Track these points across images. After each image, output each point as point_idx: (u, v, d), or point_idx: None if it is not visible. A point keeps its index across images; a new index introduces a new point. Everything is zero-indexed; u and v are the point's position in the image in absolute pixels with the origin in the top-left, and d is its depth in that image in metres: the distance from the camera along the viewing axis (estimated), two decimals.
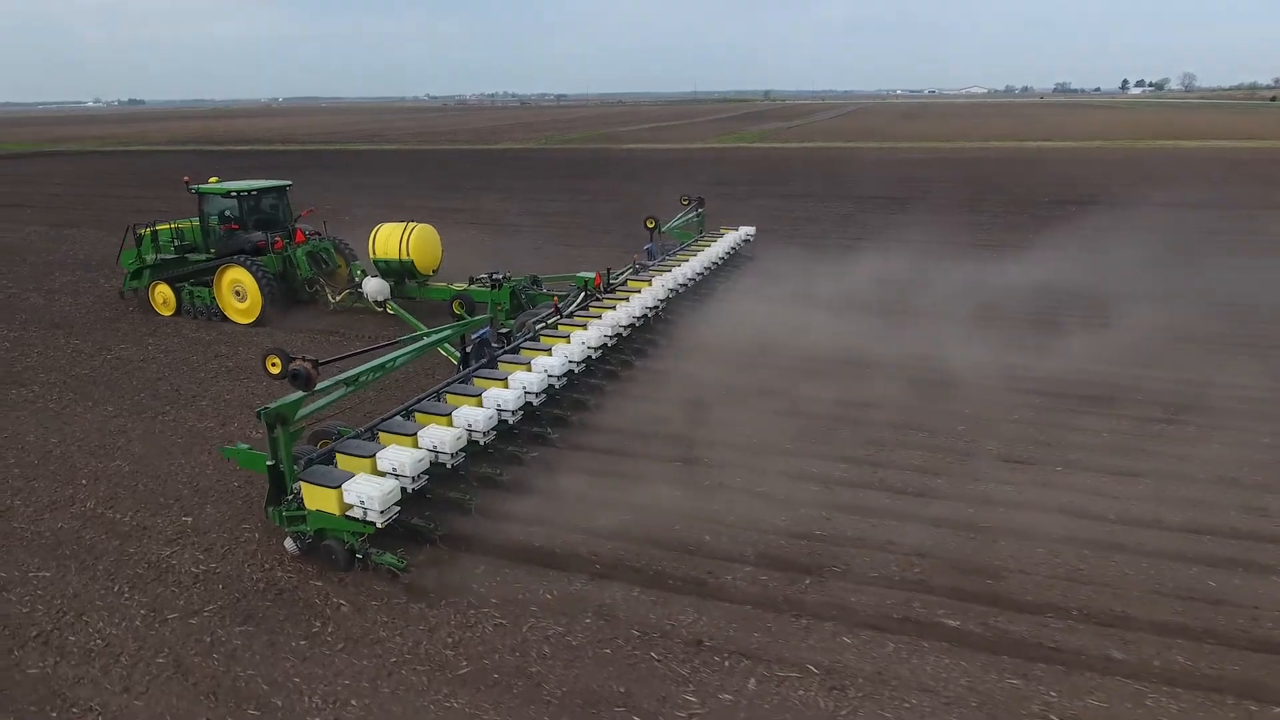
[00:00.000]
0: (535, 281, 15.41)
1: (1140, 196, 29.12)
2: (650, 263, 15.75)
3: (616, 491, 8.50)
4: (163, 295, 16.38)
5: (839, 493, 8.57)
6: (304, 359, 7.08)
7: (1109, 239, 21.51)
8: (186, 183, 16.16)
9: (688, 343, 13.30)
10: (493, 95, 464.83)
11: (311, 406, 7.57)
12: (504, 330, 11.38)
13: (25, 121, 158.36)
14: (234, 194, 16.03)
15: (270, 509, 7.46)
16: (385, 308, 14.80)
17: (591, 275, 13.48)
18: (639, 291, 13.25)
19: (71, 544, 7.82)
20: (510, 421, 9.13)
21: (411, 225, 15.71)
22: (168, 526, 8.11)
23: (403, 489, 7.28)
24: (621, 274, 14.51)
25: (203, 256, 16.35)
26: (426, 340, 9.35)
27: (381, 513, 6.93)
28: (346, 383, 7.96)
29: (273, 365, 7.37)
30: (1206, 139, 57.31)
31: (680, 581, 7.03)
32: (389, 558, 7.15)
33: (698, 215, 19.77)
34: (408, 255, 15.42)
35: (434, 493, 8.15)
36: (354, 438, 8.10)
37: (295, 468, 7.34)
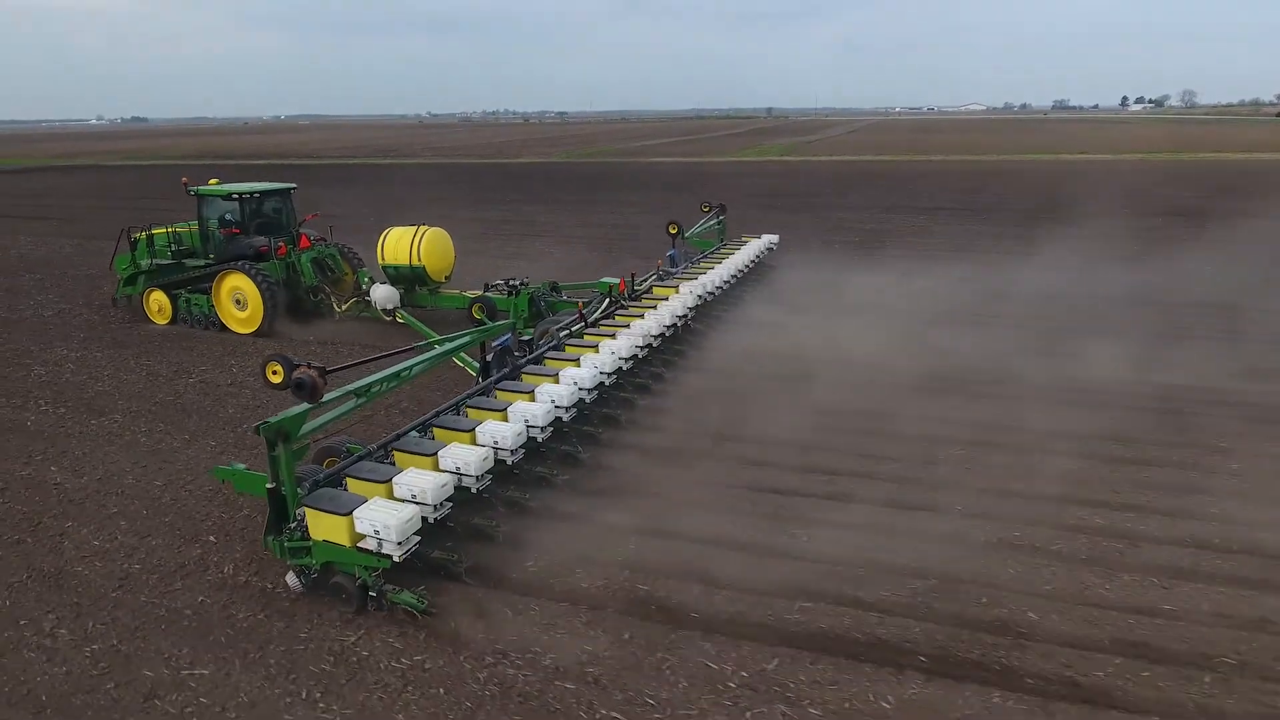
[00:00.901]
0: (555, 288, 14.43)
1: (1234, 207, 27.68)
2: (674, 269, 14.68)
3: (841, 546, 6.95)
4: (158, 303, 15.19)
5: (1156, 552, 6.94)
6: (310, 366, 6.04)
7: (1230, 249, 19.99)
8: (185, 184, 14.98)
9: (768, 357, 11.70)
10: (494, 112, 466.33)
11: (317, 421, 6.47)
12: (525, 338, 10.60)
13: (34, 138, 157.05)
14: (235, 196, 14.82)
15: (269, 539, 6.38)
16: (394, 316, 13.82)
17: (615, 281, 12.56)
18: (666, 299, 12.18)
19: (224, 627, 6.17)
20: (540, 439, 8.12)
21: (423, 229, 14.62)
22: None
23: (423, 518, 6.32)
24: (645, 280, 13.57)
25: (201, 262, 15.07)
26: (443, 348, 8.32)
27: (399, 544, 5.98)
28: (357, 394, 6.90)
29: (274, 374, 6.31)
30: (1250, 151, 56.20)
31: (1046, 682, 5.38)
32: (407, 596, 6.16)
33: (718, 223, 18.61)
34: (419, 261, 14.38)
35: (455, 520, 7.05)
36: (365, 457, 7.03)
37: (299, 491, 6.30)
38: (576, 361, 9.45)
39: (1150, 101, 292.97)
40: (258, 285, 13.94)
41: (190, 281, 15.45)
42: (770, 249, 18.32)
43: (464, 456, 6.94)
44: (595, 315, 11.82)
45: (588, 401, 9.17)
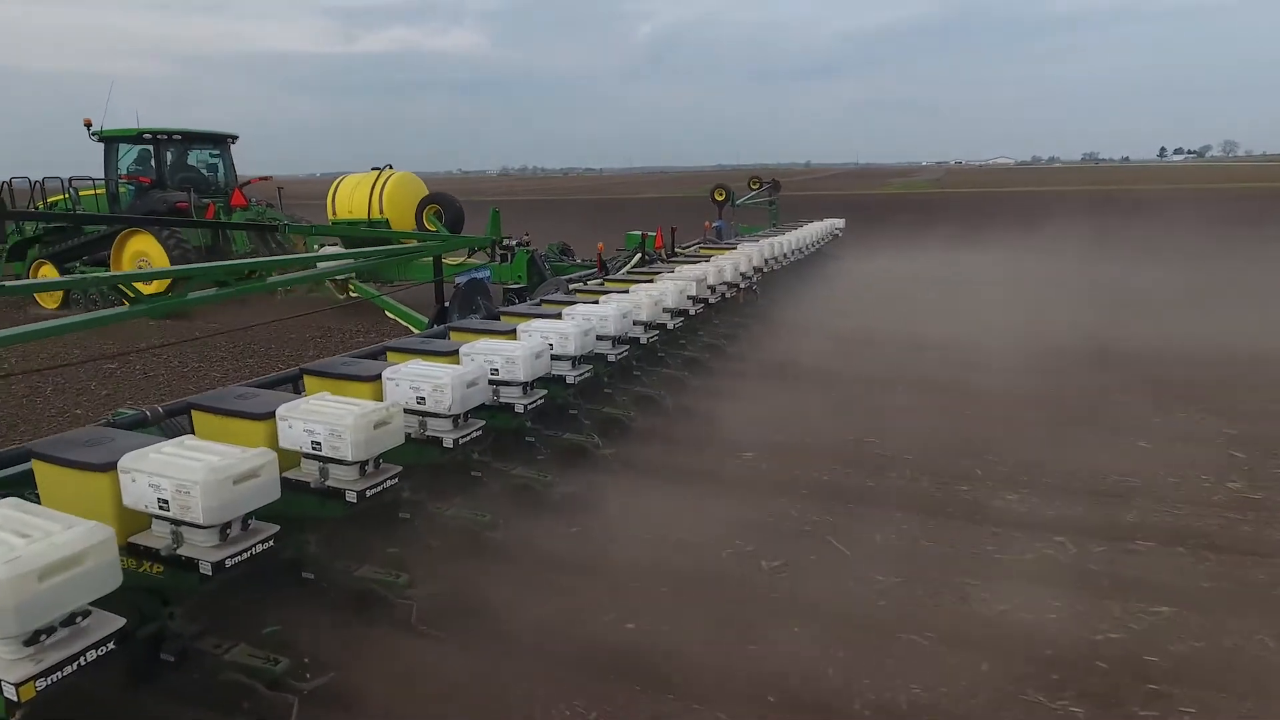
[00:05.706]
0: (565, 250, 12.13)
1: None
2: (727, 241, 12.26)
3: None
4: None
5: None
6: None
7: None
8: (87, 125, 11.68)
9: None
10: (524, 168, 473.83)
11: None
12: (518, 286, 8.67)
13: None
14: (148, 136, 11.85)
15: None
16: (348, 290, 10.49)
17: (652, 234, 10.17)
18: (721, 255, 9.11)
19: None
20: (570, 381, 5.15)
21: (387, 172, 11.78)
22: None
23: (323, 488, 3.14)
24: (690, 245, 11.45)
25: (102, 227, 11.83)
26: (365, 250, 5.65)
27: (224, 535, 2.58)
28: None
29: None
30: None
31: None
32: (246, 656, 2.69)
33: (771, 202, 16.58)
34: (381, 214, 11.49)
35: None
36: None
37: None
38: (595, 302, 6.19)
39: (1191, 152, 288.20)
40: (167, 251, 10.64)
41: (85, 250, 12.09)
42: (836, 235, 16.19)
43: (435, 376, 3.65)
44: (626, 268, 9.06)
45: (612, 360, 5.83)
